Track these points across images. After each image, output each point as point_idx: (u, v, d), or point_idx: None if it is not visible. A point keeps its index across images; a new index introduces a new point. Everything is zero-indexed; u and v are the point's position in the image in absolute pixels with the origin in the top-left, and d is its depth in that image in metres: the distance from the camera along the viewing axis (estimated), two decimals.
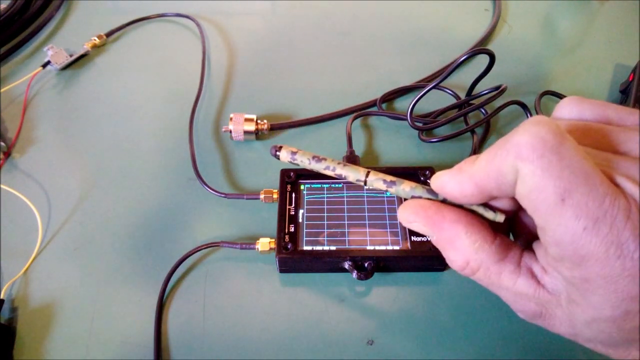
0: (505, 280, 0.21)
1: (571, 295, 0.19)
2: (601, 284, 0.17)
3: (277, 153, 0.23)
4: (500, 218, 0.21)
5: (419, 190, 0.22)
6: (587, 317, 0.18)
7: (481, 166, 0.19)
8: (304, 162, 0.23)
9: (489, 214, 0.21)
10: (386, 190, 0.22)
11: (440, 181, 0.21)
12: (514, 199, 0.20)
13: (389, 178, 0.22)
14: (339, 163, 0.23)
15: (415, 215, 0.21)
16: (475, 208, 0.21)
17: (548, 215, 0.17)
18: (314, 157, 0.23)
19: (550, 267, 0.20)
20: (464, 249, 0.21)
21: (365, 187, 0.23)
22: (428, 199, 0.22)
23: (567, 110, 0.21)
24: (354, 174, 0.22)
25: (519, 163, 0.17)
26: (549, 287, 0.20)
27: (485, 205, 0.21)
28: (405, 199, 0.23)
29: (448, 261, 0.22)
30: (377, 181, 0.22)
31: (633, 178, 0.17)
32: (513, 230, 0.23)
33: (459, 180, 0.20)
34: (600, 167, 0.17)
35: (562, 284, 0.19)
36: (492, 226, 0.21)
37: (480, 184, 0.19)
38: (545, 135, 0.16)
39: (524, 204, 0.18)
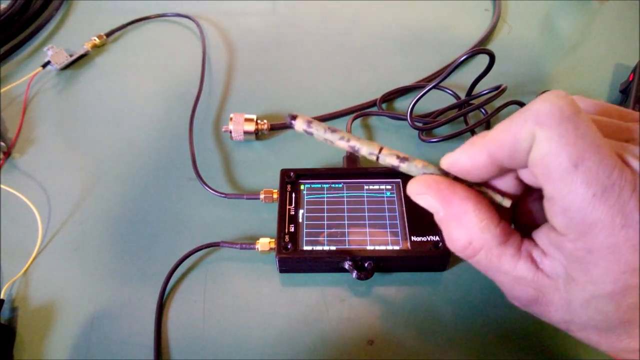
0: (506, 263, 0.21)
1: (571, 273, 0.19)
2: (604, 254, 0.17)
3: (292, 122, 0.23)
4: (507, 202, 0.22)
5: (431, 167, 0.22)
6: (586, 295, 0.19)
7: (496, 134, 0.19)
8: (319, 132, 0.23)
9: (497, 197, 0.22)
10: (398, 167, 0.22)
11: (452, 158, 0.21)
12: (518, 182, 0.21)
13: (401, 154, 0.22)
14: (353, 135, 0.23)
15: (427, 188, 0.22)
16: (484, 190, 0.22)
17: (560, 181, 0.18)
18: (329, 128, 0.23)
19: (552, 248, 0.20)
20: (470, 226, 0.21)
21: (377, 162, 0.23)
22: (439, 175, 0.22)
23: None
24: (367, 147, 0.22)
25: (537, 129, 0.18)
26: (548, 271, 0.20)
27: (493, 189, 0.22)
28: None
29: (450, 241, 0.22)
30: (389, 156, 0.22)
31: (639, 157, 0.18)
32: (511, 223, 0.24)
33: (471, 153, 0.20)
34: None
35: (561, 265, 0.20)
36: (497, 212, 0.21)
37: (494, 153, 0.20)
38: (563, 105, 0.18)
39: (536, 171, 0.19)
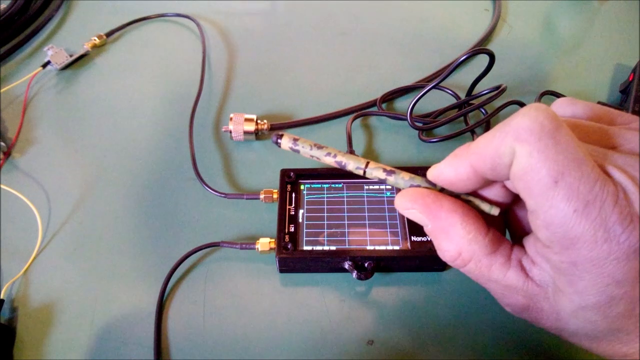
0: (496, 272, 0.21)
1: (558, 284, 0.19)
2: (588, 267, 0.17)
3: (279, 141, 0.23)
4: (495, 211, 0.22)
5: (417, 180, 0.22)
6: (573, 306, 0.19)
7: (479, 148, 0.19)
8: (306, 149, 0.23)
9: (485, 206, 0.22)
10: (385, 180, 0.22)
11: (437, 170, 0.21)
12: (506, 191, 0.21)
13: (388, 168, 0.23)
14: (339, 151, 0.23)
15: (413, 202, 0.22)
16: (471, 199, 0.22)
17: (541, 196, 0.17)
18: (315, 145, 0.23)
19: (539, 258, 0.20)
20: (458, 239, 0.21)
21: (364, 176, 0.23)
22: (426, 188, 0.22)
23: (561, 109, 0.22)
24: (354, 162, 0.23)
25: (517, 144, 0.18)
26: (537, 280, 0.20)
27: (482, 198, 0.22)
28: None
29: (440, 251, 0.22)
30: (376, 170, 0.23)
31: (622, 168, 0.18)
32: (505, 229, 0.24)
33: (455, 165, 0.20)
34: (592, 158, 0.18)
35: (549, 275, 0.20)
36: (487, 221, 0.21)
37: (476, 165, 0.20)
38: (543, 120, 0.17)
39: (518, 185, 0.18)
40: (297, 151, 0.23)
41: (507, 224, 0.24)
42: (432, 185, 0.22)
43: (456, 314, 0.30)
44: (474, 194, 0.22)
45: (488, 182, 0.21)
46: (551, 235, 0.18)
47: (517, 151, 0.18)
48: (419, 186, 0.22)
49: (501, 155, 0.18)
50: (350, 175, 0.35)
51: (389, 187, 0.34)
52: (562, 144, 0.17)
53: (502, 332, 0.30)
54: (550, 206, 0.17)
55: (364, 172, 0.23)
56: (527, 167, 0.17)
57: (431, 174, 0.22)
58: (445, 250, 0.22)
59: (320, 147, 0.23)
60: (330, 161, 0.23)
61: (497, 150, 0.18)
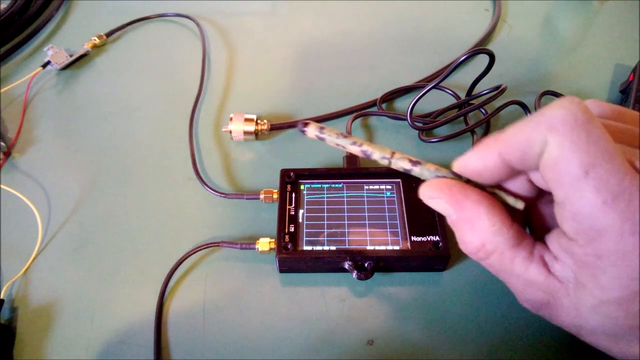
0: (518, 266, 0.21)
1: (581, 278, 0.19)
2: (613, 260, 0.18)
3: (305, 129, 0.23)
4: (520, 205, 0.22)
5: (443, 171, 0.22)
6: (595, 301, 0.19)
7: (509, 137, 0.20)
8: (331, 137, 0.23)
9: (510, 199, 0.22)
10: (410, 170, 0.22)
11: (464, 160, 0.21)
12: (531, 185, 0.21)
13: (413, 158, 0.23)
14: (365, 141, 0.23)
15: (440, 192, 0.22)
16: (497, 192, 0.22)
17: (570, 186, 0.18)
18: (340, 134, 0.23)
19: (562, 253, 0.20)
20: (482, 230, 0.21)
21: (389, 166, 0.23)
22: (452, 178, 0.22)
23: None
24: (379, 152, 0.23)
25: (549, 134, 0.18)
26: (559, 275, 0.20)
27: (507, 191, 0.22)
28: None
29: (462, 243, 0.22)
30: (402, 160, 0.23)
31: None
32: (526, 225, 0.24)
33: (482, 154, 0.21)
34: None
35: (571, 270, 0.20)
36: (510, 214, 0.21)
37: (505, 154, 0.20)
38: (577, 112, 0.18)
39: (547, 176, 0.19)
40: (323, 139, 0.23)
41: (529, 221, 0.24)
42: (458, 177, 0.22)
43: (456, 314, 0.30)
44: (499, 187, 0.22)
45: (514, 174, 0.21)
46: (578, 226, 0.18)
47: (549, 141, 0.18)
48: (444, 177, 0.22)
49: (532, 144, 0.18)
50: (350, 175, 0.35)
51: (389, 187, 0.34)
52: (594, 136, 0.17)
53: (502, 332, 0.30)
54: (580, 197, 0.17)
55: (390, 162, 0.23)
56: (558, 157, 0.18)
57: (457, 164, 0.22)
58: (469, 241, 0.21)
59: (345, 136, 0.23)
60: (355, 150, 0.23)
61: (529, 139, 0.19)
